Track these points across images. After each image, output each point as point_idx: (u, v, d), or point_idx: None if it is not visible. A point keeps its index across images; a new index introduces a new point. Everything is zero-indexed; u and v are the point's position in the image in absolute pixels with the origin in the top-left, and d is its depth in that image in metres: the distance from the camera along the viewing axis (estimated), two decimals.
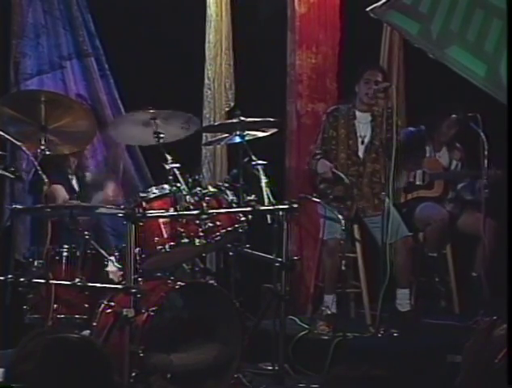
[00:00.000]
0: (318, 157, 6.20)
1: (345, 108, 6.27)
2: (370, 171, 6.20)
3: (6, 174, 4.92)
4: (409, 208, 6.45)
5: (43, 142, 4.82)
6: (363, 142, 6.20)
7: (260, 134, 5.34)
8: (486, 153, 5.87)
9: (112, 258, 4.89)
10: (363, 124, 6.21)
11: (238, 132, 5.18)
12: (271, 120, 5.30)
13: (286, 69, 6.86)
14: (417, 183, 6.61)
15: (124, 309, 4.46)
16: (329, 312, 5.98)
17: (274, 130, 5.41)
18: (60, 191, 5.44)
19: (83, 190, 5.64)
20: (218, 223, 4.79)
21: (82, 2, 6.14)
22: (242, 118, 5.16)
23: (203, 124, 6.34)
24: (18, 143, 4.71)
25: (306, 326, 5.93)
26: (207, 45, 6.55)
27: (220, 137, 5.57)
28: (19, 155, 5.74)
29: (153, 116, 4.92)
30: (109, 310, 4.69)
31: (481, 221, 5.91)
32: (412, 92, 7.08)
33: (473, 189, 6.57)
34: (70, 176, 5.62)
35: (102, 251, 4.90)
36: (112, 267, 4.89)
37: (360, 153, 6.20)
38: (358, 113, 6.22)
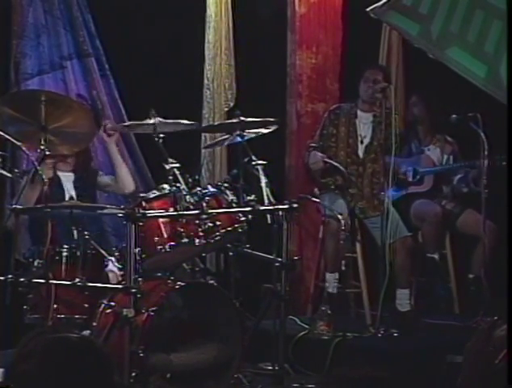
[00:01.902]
0: (311, 149, 6.23)
1: (347, 107, 6.29)
2: (370, 172, 6.21)
3: (3, 172, 4.93)
4: (404, 206, 6.43)
5: (43, 142, 4.82)
6: (362, 142, 6.20)
7: (262, 131, 5.33)
8: (486, 153, 5.87)
9: (112, 258, 4.89)
10: (363, 124, 6.22)
11: (238, 132, 5.18)
12: (271, 119, 5.30)
13: (286, 69, 6.86)
14: (409, 179, 6.59)
15: (124, 309, 4.46)
16: (329, 311, 5.99)
17: (275, 127, 5.41)
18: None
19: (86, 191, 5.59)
20: (218, 223, 4.79)
21: (83, 2, 6.14)
22: (242, 118, 5.16)
23: (203, 125, 6.34)
24: (18, 143, 4.71)
25: (306, 326, 5.92)
26: (206, 45, 6.55)
27: (220, 139, 5.56)
28: (19, 155, 5.74)
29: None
30: (109, 310, 4.69)
31: (481, 221, 5.90)
32: (411, 92, 7.07)
33: (467, 181, 6.56)
34: (59, 173, 5.54)
35: (103, 251, 4.90)
36: (112, 268, 4.89)
37: (360, 153, 6.21)
38: (359, 113, 6.23)
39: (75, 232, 4.94)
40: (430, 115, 6.62)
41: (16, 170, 4.97)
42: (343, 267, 5.70)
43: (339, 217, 5.86)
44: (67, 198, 5.46)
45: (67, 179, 5.56)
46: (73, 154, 5.50)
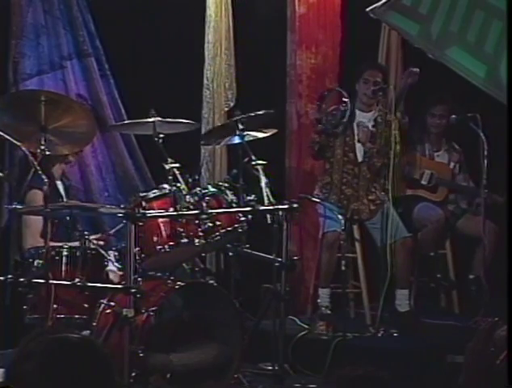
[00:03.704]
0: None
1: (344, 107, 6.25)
2: (368, 178, 6.16)
3: None
4: (407, 206, 6.43)
5: (43, 142, 4.82)
6: (359, 141, 6.18)
7: (259, 135, 5.35)
8: (486, 153, 5.87)
9: (112, 257, 4.89)
10: (361, 124, 6.19)
11: (238, 132, 5.18)
12: (270, 111, 5.29)
13: (286, 69, 6.86)
14: (422, 182, 6.59)
15: (124, 309, 4.46)
16: (328, 311, 5.99)
17: (274, 131, 5.42)
18: (38, 198, 5.31)
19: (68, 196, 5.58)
20: (218, 223, 4.80)
21: (82, 2, 6.14)
22: (240, 117, 5.17)
23: (202, 125, 6.34)
24: (18, 143, 4.71)
25: (306, 326, 5.93)
26: (206, 45, 6.54)
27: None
28: (17, 155, 5.74)
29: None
30: (109, 310, 4.70)
31: (481, 222, 5.90)
32: (410, 92, 7.05)
33: (470, 202, 6.59)
34: (55, 181, 5.55)
35: (103, 251, 4.90)
36: (112, 267, 4.89)
37: (357, 152, 6.18)
38: (357, 112, 6.21)
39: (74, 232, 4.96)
40: (447, 125, 6.61)
41: (6, 173, 4.97)
42: (343, 267, 5.70)
43: (337, 229, 5.84)
44: None
45: (60, 188, 5.56)
46: (61, 163, 5.49)
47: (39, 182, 4.82)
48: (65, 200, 5.45)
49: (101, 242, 5.15)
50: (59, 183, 5.55)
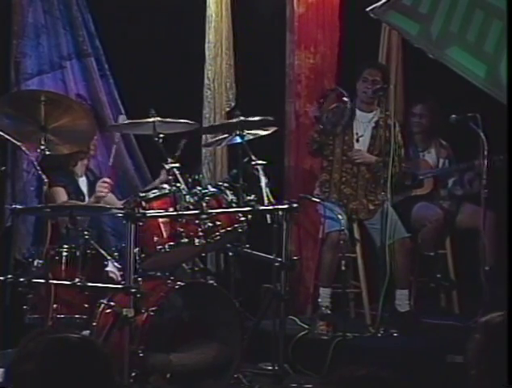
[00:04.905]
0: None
1: (344, 105, 6.24)
2: (367, 177, 6.17)
3: None
4: (404, 208, 6.42)
5: (42, 142, 4.82)
6: (358, 140, 6.18)
7: (260, 133, 5.35)
8: (486, 153, 5.86)
9: (112, 258, 4.90)
10: (360, 123, 6.20)
11: (238, 132, 5.18)
12: (270, 118, 5.30)
13: (285, 69, 6.86)
14: (407, 183, 6.59)
15: (124, 309, 4.46)
16: (328, 311, 5.99)
17: (275, 128, 5.42)
18: (61, 194, 5.42)
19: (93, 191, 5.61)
20: (218, 223, 4.80)
21: (82, 2, 6.14)
22: (242, 118, 5.16)
23: (203, 125, 6.34)
24: (18, 143, 4.71)
25: (306, 326, 5.93)
26: (207, 45, 6.54)
27: (219, 137, 5.57)
28: (20, 155, 5.75)
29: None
30: (109, 310, 4.70)
31: (480, 216, 5.89)
32: (411, 92, 7.06)
33: (462, 183, 6.57)
34: (77, 178, 5.60)
35: (103, 251, 4.90)
36: (112, 268, 4.89)
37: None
38: (357, 111, 6.20)
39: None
40: (432, 125, 6.63)
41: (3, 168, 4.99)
42: (343, 267, 5.70)
43: (339, 216, 5.84)
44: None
45: (83, 184, 5.60)
46: (83, 159, 5.55)
47: (61, 179, 4.85)
48: (86, 197, 5.49)
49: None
50: (82, 180, 5.59)
